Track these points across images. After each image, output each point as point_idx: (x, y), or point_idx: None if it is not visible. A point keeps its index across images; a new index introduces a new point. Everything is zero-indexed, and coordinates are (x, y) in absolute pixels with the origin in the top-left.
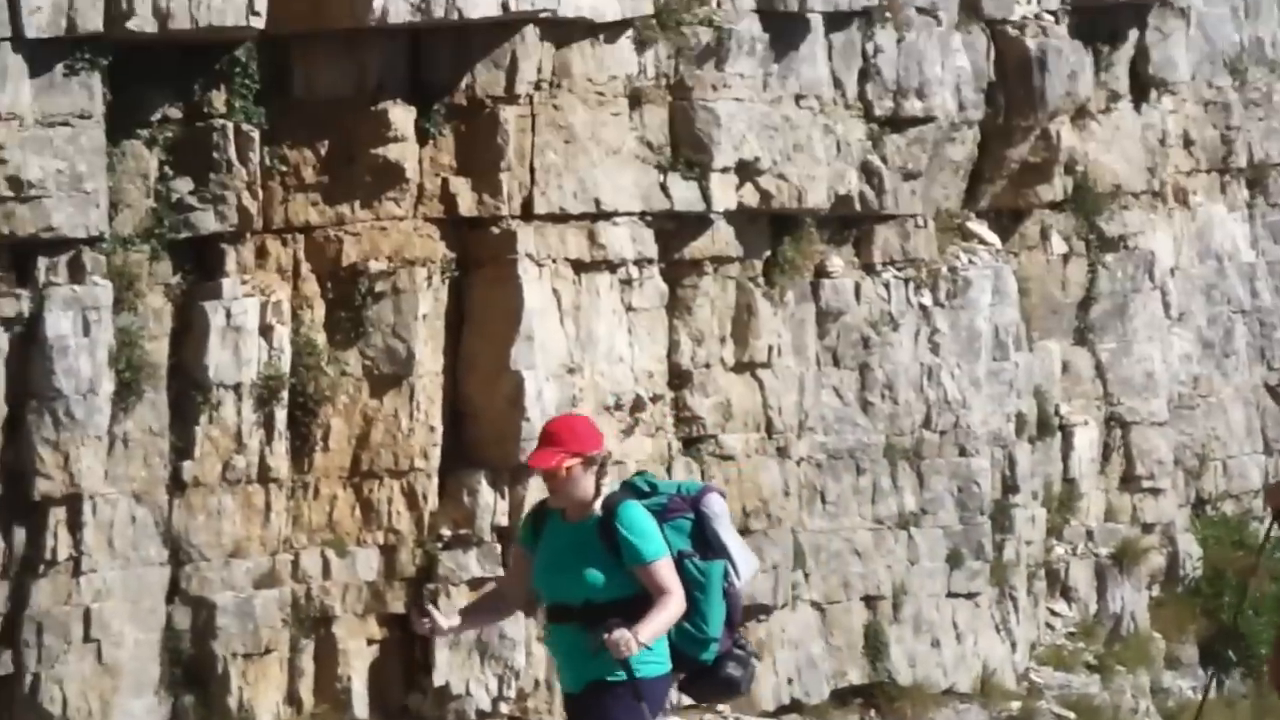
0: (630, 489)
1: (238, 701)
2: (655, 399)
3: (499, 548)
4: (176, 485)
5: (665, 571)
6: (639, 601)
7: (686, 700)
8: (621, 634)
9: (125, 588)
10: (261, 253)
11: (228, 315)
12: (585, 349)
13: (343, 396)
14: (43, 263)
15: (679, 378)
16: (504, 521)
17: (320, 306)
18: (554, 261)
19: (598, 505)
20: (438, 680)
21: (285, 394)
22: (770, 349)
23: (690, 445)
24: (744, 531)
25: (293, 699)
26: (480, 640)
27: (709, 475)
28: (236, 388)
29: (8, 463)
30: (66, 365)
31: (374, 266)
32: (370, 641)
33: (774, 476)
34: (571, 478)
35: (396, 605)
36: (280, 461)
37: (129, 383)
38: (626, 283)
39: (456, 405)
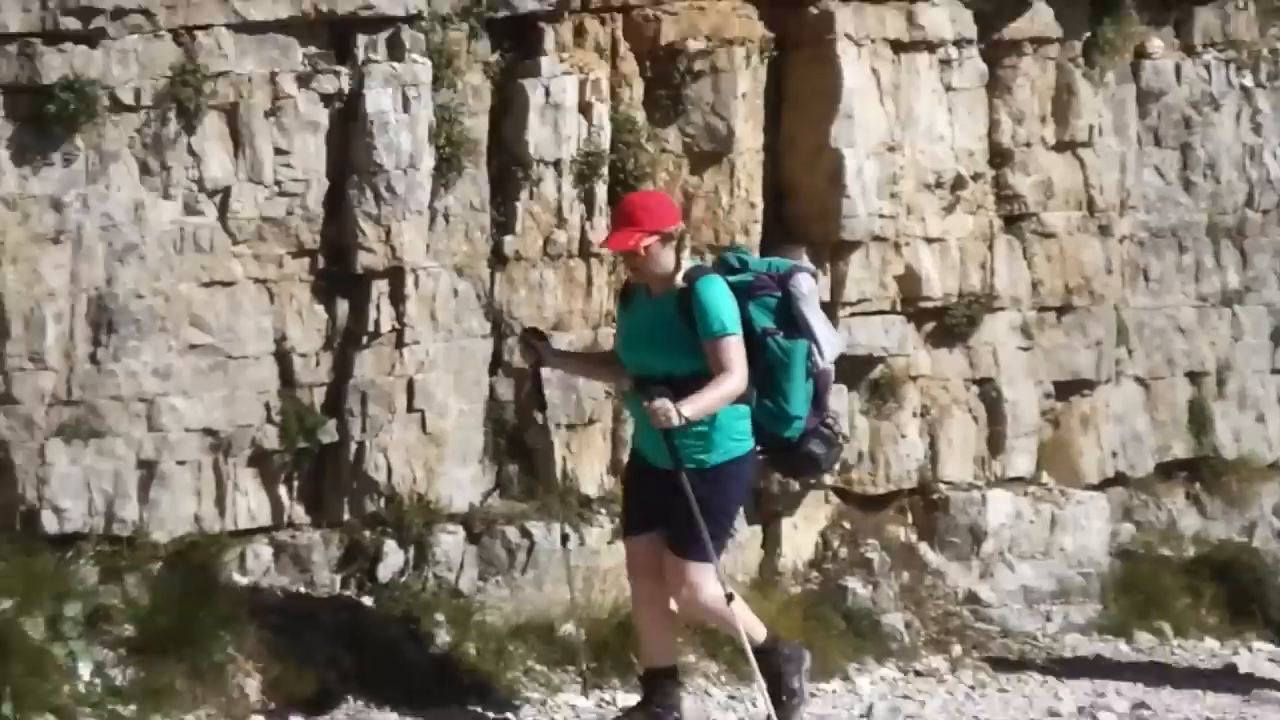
0: (721, 265)
1: (561, 470)
2: (976, 177)
3: None
4: (498, 259)
5: (730, 350)
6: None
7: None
8: (663, 404)
9: (448, 359)
10: (579, 32)
11: (547, 93)
12: (905, 127)
13: (662, 173)
14: (362, 40)
15: (999, 156)
16: (826, 297)
17: (638, 85)
18: (872, 41)
19: (679, 278)
20: None
21: (605, 170)
22: (1091, 128)
23: (1011, 223)
24: (1065, 309)
25: (615, 468)
26: None
27: (1031, 252)
28: (556, 164)
29: (330, 237)
30: (387, 141)
31: (692, 46)
32: None
33: (1096, 254)
34: (650, 255)
35: None
36: (601, 236)
37: (449, 159)
38: (945, 63)
39: (777, 183)
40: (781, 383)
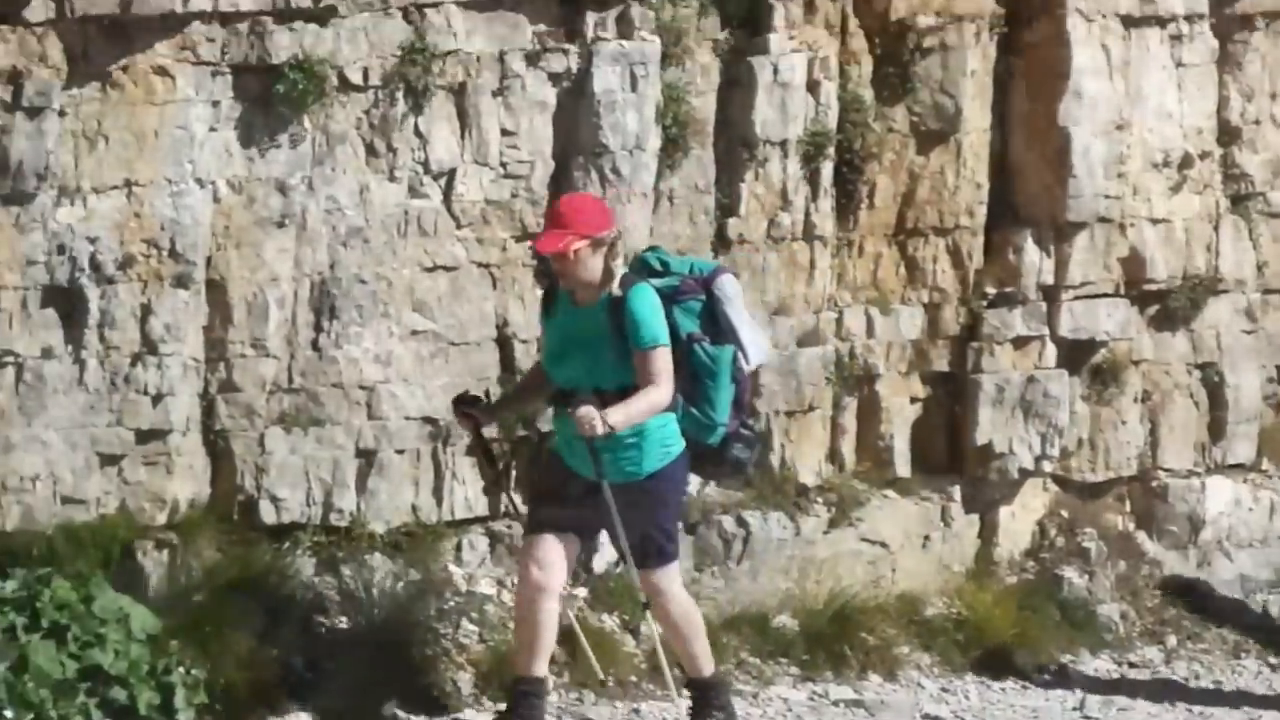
0: (642, 266)
1: (780, 458)
2: (1204, 156)
3: (1043, 306)
4: (721, 242)
5: (659, 360)
6: None
7: None
8: (588, 411)
9: None
10: (809, 8)
11: (775, 71)
12: (1134, 105)
13: (889, 153)
14: (591, 18)
15: (1228, 134)
16: (1049, 280)
17: (867, 62)
18: (1103, 17)
19: (613, 287)
20: (979, 439)
21: (831, 150)
22: None
23: (1238, 203)
24: None
25: (834, 456)
26: (1024, 399)
27: (1257, 233)
28: (782, 144)
29: None
30: (613, 121)
31: (922, 22)
32: (913, 400)
33: None
34: (579, 260)
35: (940, 363)
36: (825, 219)
37: (675, 139)
38: (1176, 38)
39: (1002, 163)
40: (709, 390)
